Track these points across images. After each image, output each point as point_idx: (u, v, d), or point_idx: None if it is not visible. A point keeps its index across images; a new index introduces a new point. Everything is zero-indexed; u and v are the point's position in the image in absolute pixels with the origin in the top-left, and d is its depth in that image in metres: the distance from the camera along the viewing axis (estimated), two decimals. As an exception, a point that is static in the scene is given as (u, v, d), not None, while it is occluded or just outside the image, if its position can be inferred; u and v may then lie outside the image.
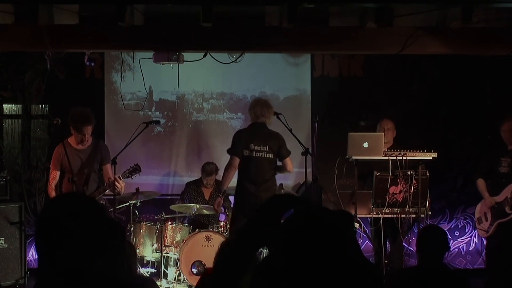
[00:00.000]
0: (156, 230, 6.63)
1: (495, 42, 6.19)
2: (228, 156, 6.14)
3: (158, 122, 7.08)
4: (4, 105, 7.60)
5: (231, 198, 7.34)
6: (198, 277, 6.17)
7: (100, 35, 6.13)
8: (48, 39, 5.84)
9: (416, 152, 6.04)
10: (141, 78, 7.08)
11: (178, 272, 6.50)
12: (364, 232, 6.28)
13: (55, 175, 5.95)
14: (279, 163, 6.18)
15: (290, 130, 6.02)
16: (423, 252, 3.67)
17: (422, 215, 6.03)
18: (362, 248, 6.39)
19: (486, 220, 6.25)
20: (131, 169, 6.00)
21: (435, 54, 6.71)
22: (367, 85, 7.74)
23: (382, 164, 5.99)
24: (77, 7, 5.97)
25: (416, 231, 6.25)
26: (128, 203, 6.58)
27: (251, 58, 7.00)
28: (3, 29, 5.96)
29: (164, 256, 6.58)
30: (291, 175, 7.76)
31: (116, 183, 5.74)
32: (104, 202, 5.92)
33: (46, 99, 7.58)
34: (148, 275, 6.49)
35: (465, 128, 7.86)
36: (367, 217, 6.16)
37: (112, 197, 5.93)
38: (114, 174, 5.92)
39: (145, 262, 6.70)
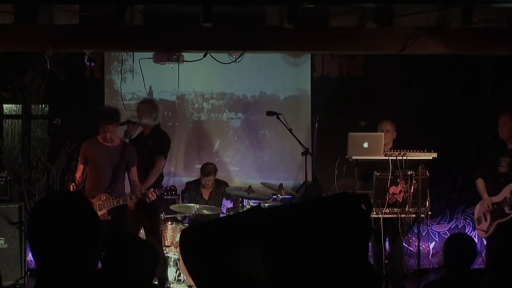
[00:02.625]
0: (156, 230, 6.63)
1: (495, 42, 6.19)
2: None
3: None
4: (4, 105, 7.60)
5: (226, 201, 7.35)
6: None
7: (100, 35, 6.13)
8: (48, 39, 5.84)
9: (416, 152, 6.03)
10: (141, 78, 7.08)
11: (178, 272, 6.50)
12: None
13: (80, 168, 6.09)
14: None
15: (290, 130, 6.02)
16: (451, 263, 3.60)
17: (422, 215, 6.03)
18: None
19: (486, 220, 6.25)
20: (168, 188, 6.11)
21: (435, 54, 6.71)
22: (367, 85, 7.73)
23: (382, 164, 5.99)
24: (77, 7, 5.97)
25: (416, 231, 6.25)
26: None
27: (251, 58, 7.00)
28: (3, 29, 5.96)
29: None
30: (291, 175, 7.77)
31: (150, 195, 5.91)
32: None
33: (46, 99, 7.58)
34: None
35: (465, 128, 7.86)
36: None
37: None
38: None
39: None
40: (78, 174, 6.07)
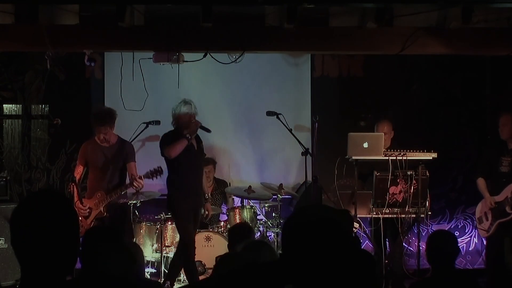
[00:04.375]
0: (156, 230, 6.63)
1: (495, 42, 6.19)
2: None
3: (158, 122, 7.09)
4: (4, 105, 7.60)
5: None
6: (198, 277, 6.19)
7: (100, 35, 6.13)
8: (48, 39, 5.84)
9: (416, 152, 6.04)
10: (141, 78, 7.07)
11: (178, 272, 6.50)
12: (364, 232, 6.28)
13: (79, 170, 6.12)
14: None
15: (290, 130, 6.03)
16: (434, 260, 3.58)
17: (422, 215, 6.04)
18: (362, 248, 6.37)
19: (487, 220, 6.25)
20: (153, 170, 6.07)
21: (435, 54, 6.71)
22: (367, 85, 7.73)
23: (382, 164, 5.99)
24: (77, 7, 5.97)
25: (416, 231, 6.25)
26: (128, 203, 6.58)
27: (251, 58, 7.00)
28: (3, 29, 5.96)
29: (164, 256, 6.57)
30: (291, 175, 7.77)
31: (135, 182, 5.88)
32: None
33: (46, 99, 7.59)
34: (148, 276, 6.49)
35: (465, 128, 7.86)
36: (367, 217, 6.15)
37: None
38: None
39: (145, 262, 6.69)
40: (76, 175, 6.12)
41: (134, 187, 5.98)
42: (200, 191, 6.16)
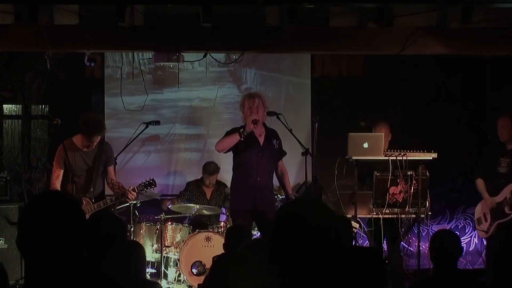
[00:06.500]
0: (156, 230, 6.63)
1: (495, 42, 6.19)
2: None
3: (158, 122, 7.08)
4: (4, 105, 7.60)
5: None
6: (198, 277, 6.20)
7: (100, 35, 6.13)
8: (48, 39, 5.84)
9: (416, 152, 6.04)
10: (141, 78, 7.07)
11: (178, 272, 6.50)
12: (364, 232, 6.28)
13: (58, 174, 5.84)
14: None
15: (290, 130, 6.02)
16: (437, 260, 3.61)
17: (422, 215, 6.03)
18: (362, 248, 6.35)
19: (486, 220, 6.25)
20: (146, 182, 6.05)
21: (435, 54, 6.71)
22: (367, 85, 7.73)
23: (382, 165, 5.99)
24: (77, 7, 5.97)
25: (416, 231, 6.25)
26: (128, 204, 6.58)
27: (251, 58, 7.00)
28: (3, 29, 5.96)
29: (164, 256, 6.57)
30: (291, 175, 7.76)
31: (130, 194, 5.82)
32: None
33: (46, 99, 7.59)
34: (148, 276, 6.49)
35: (465, 128, 7.86)
36: (367, 218, 6.15)
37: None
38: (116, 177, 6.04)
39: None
40: (55, 182, 5.82)
41: (128, 200, 5.94)
42: (264, 190, 5.84)
